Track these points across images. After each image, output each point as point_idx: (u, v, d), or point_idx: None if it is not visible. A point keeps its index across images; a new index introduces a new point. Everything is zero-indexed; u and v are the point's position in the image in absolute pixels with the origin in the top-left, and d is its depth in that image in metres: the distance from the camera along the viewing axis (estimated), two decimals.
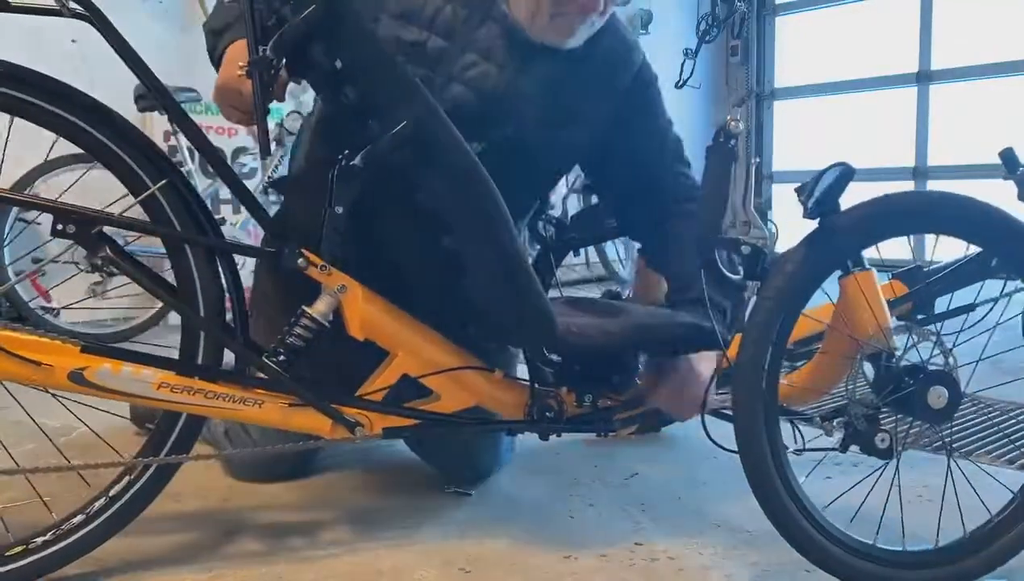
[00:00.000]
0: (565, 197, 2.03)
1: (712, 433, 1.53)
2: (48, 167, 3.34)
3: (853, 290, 1.40)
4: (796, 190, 1.38)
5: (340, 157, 1.37)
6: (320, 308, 1.45)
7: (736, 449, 1.37)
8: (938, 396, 1.37)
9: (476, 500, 1.80)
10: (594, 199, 2.10)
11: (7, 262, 3.48)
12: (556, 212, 1.99)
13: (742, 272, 1.43)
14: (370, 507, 1.76)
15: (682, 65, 6.93)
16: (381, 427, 1.49)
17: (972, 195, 1.41)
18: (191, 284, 1.39)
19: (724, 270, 1.42)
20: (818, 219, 1.37)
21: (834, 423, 1.45)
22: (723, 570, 1.48)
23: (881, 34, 6.35)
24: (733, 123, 1.43)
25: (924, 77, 6.18)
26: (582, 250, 5.25)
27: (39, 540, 1.37)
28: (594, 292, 2.29)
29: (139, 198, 1.33)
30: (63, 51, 3.77)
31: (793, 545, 1.36)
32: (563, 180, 1.99)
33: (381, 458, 2.05)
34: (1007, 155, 1.67)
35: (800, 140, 6.95)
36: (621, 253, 5.62)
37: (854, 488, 1.45)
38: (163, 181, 1.34)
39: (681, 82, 6.94)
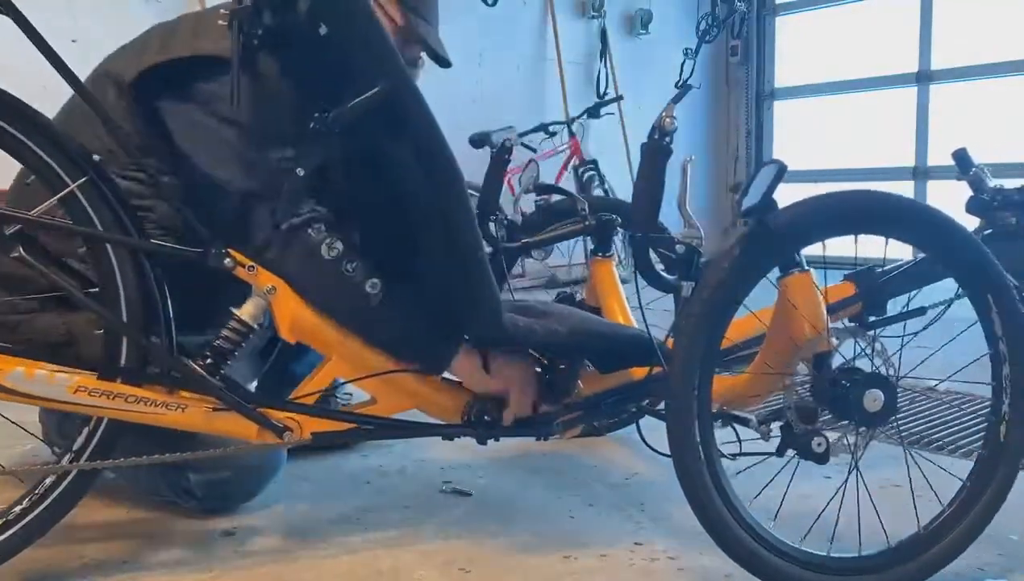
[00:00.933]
0: (517, 200, 2.00)
1: (649, 437, 1.52)
2: None
3: (790, 292, 1.38)
4: (730, 189, 1.36)
5: (312, 121, 1.36)
6: (249, 310, 1.43)
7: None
8: (873, 399, 1.35)
9: (476, 500, 1.79)
10: (553, 198, 2.09)
11: None
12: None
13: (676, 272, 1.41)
14: (369, 507, 1.75)
15: (682, 65, 6.92)
16: (311, 431, 1.47)
17: (910, 197, 1.38)
18: (113, 285, 1.36)
19: (658, 269, 1.41)
20: (752, 219, 1.35)
21: (771, 427, 1.43)
22: (723, 570, 1.45)
23: (881, 34, 6.31)
24: (668, 120, 1.41)
25: (924, 77, 6.14)
26: (578, 250, 5.24)
27: (16, 509, 1.36)
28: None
29: (57, 196, 1.31)
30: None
31: (726, 551, 1.34)
32: (517, 181, 1.97)
33: (380, 458, 2.04)
34: (960, 155, 1.65)
35: (800, 140, 6.91)
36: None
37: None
38: (83, 179, 1.32)
39: (681, 82, 6.92)
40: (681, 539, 1.58)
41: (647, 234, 1.40)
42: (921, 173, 6.16)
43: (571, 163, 5.69)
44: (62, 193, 1.31)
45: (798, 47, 6.97)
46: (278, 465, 1.71)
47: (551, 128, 5.54)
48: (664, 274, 1.44)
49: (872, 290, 1.61)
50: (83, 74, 1.31)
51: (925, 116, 6.15)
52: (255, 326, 1.44)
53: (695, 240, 1.39)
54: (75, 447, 1.39)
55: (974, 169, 1.66)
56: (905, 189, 6.13)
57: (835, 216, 1.37)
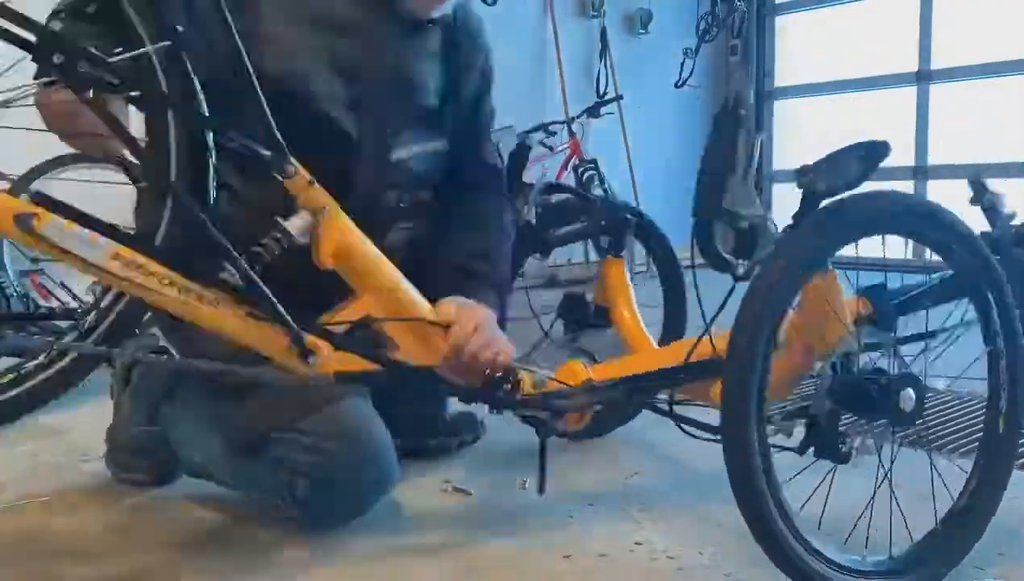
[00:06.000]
0: (529, 205, 1.95)
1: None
2: (48, 166, 3.33)
3: (821, 291, 1.36)
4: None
5: None
6: (297, 224, 1.34)
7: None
8: (908, 399, 1.35)
9: (476, 500, 1.79)
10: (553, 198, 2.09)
11: (7, 263, 3.47)
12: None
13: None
14: None
15: (682, 65, 6.93)
16: (333, 368, 1.36)
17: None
18: (165, 148, 1.25)
19: (720, 248, 1.37)
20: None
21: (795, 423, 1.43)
22: (723, 570, 1.46)
23: (881, 34, 6.33)
24: (745, 91, 1.37)
25: (924, 77, 6.15)
26: (577, 250, 5.25)
27: (31, 364, 1.24)
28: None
29: (131, 53, 1.20)
30: None
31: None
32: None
33: None
34: (975, 183, 1.65)
35: (800, 140, 6.92)
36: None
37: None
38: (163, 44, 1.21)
39: (681, 82, 6.94)
40: (681, 539, 1.58)
41: (714, 207, 1.35)
42: (921, 173, 6.18)
43: (571, 162, 5.70)
44: (137, 51, 1.21)
45: (798, 47, 6.98)
46: (387, 481, 1.64)
47: (551, 128, 5.55)
48: (724, 254, 1.39)
49: (888, 309, 1.60)
50: None
51: (925, 116, 6.17)
52: (297, 240, 1.34)
53: (758, 218, 1.36)
54: (84, 326, 1.26)
55: (988, 195, 1.66)
56: (905, 189, 6.16)
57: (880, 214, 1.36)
